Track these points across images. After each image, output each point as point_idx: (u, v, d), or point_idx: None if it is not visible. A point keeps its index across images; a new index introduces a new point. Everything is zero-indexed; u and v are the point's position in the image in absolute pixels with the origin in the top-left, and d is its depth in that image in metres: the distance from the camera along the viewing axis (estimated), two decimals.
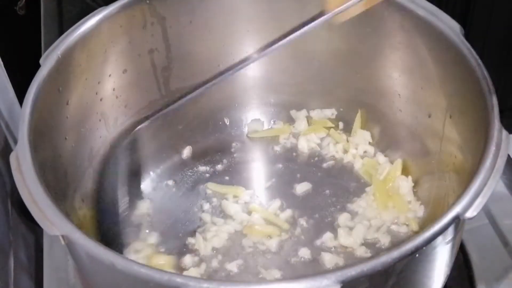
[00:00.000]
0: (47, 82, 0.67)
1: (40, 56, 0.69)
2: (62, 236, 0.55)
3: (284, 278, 0.72)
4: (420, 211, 0.78)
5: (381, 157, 0.84)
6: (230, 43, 0.84)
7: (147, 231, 0.79)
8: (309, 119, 0.89)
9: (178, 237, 0.78)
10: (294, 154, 0.87)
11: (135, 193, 0.82)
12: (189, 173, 0.85)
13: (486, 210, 0.79)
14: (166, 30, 0.79)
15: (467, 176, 0.60)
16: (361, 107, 0.85)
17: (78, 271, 0.71)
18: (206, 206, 0.81)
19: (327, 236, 0.77)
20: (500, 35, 1.13)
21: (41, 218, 0.56)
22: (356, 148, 0.86)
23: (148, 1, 0.76)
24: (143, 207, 0.81)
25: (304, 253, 0.75)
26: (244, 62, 0.80)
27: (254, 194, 0.82)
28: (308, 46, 0.83)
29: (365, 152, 0.86)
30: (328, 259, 0.74)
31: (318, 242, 0.77)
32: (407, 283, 0.57)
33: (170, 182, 0.84)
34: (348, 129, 0.87)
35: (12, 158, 0.61)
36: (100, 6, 0.74)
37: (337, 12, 0.68)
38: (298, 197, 0.82)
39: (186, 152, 0.87)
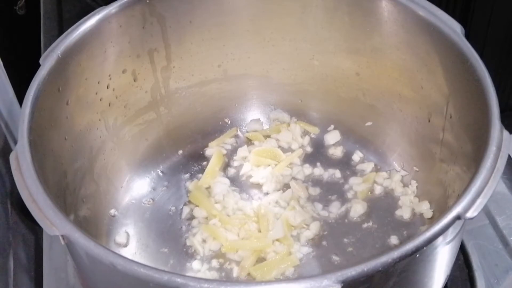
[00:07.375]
0: (47, 82, 0.67)
1: (40, 56, 0.69)
2: (62, 236, 0.55)
3: (284, 278, 0.72)
4: (422, 211, 0.78)
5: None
6: (230, 43, 0.83)
7: (147, 231, 0.79)
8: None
9: (178, 238, 0.78)
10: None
11: (135, 193, 0.82)
12: (189, 173, 0.85)
13: (486, 210, 0.79)
14: (166, 30, 0.79)
15: (467, 176, 0.60)
16: (361, 107, 0.85)
17: (78, 271, 0.71)
18: None
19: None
20: (500, 35, 1.13)
21: (41, 218, 0.56)
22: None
23: (148, 1, 0.76)
24: (143, 207, 0.81)
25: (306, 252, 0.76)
26: None
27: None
28: (308, 46, 0.83)
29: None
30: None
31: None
32: (407, 283, 0.57)
33: (170, 182, 0.84)
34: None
35: (12, 158, 0.61)
36: (100, 5, 0.74)
37: None
38: None
39: (186, 152, 0.86)
